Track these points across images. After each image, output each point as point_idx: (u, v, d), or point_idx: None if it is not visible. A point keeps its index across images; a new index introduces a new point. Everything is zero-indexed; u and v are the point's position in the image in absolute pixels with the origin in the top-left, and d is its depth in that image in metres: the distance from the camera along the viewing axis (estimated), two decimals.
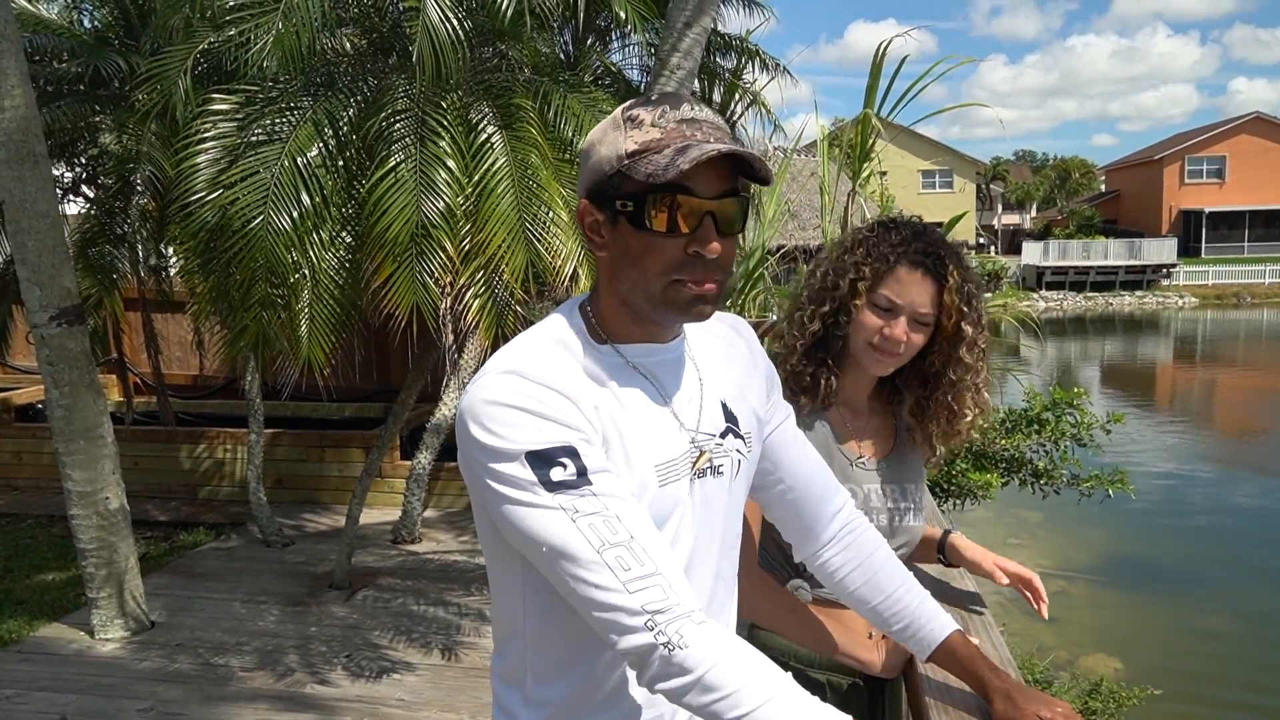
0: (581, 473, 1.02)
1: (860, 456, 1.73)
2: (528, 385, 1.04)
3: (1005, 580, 1.72)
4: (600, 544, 0.99)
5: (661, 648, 0.97)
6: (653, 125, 1.06)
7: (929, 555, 1.89)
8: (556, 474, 1.01)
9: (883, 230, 1.65)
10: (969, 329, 1.63)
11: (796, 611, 1.67)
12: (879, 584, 1.41)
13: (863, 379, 1.73)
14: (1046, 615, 1.73)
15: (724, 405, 1.23)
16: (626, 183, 1.06)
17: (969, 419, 1.69)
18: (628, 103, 1.11)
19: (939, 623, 1.40)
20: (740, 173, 1.09)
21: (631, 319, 1.14)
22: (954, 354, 1.65)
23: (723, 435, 1.21)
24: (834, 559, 1.42)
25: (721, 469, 1.20)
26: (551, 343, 1.12)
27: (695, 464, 1.17)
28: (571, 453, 1.02)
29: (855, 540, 1.42)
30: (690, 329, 1.23)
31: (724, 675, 0.97)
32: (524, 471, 1.02)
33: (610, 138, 1.09)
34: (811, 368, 1.67)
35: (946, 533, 1.89)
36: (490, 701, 1.28)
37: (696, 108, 1.09)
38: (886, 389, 1.80)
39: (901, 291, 1.60)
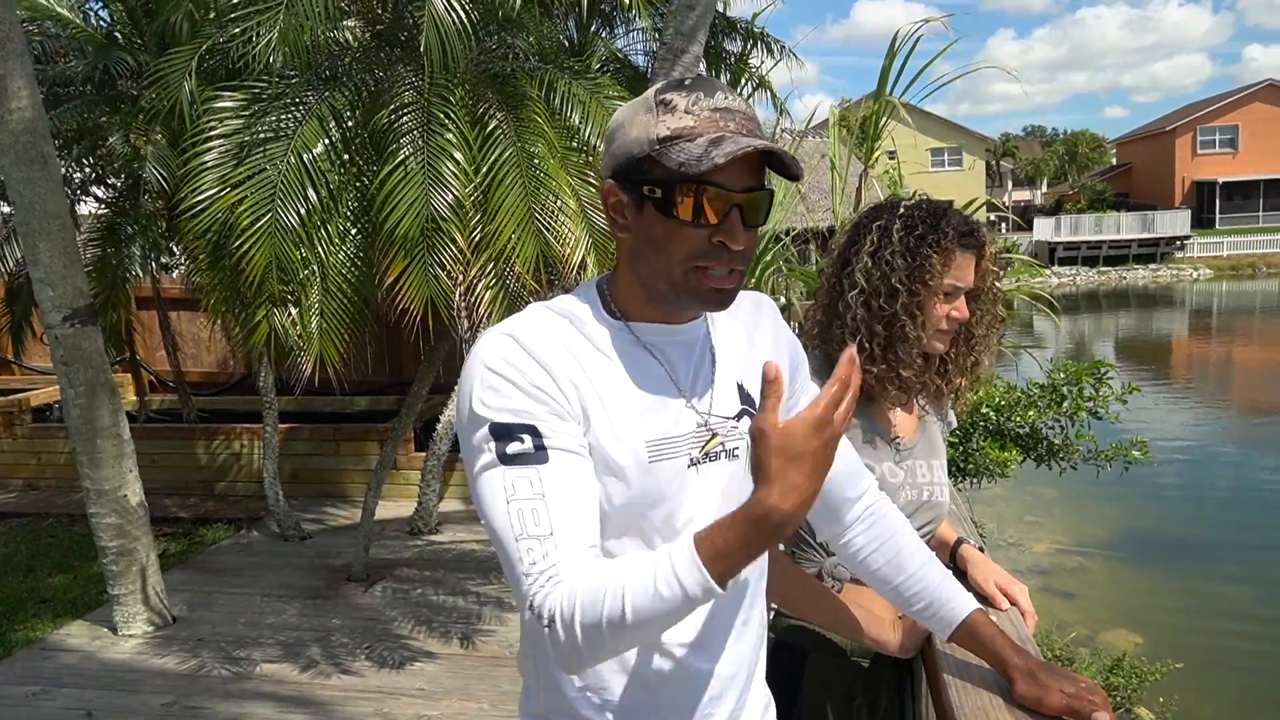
0: (539, 449, 1.05)
1: (896, 437, 1.76)
2: (517, 351, 1.08)
3: (1005, 606, 1.70)
4: (520, 532, 1.03)
5: (545, 629, 1.01)
6: (686, 112, 1.07)
7: (941, 557, 1.87)
8: (513, 448, 1.05)
9: (930, 222, 1.66)
10: (998, 285, 1.75)
11: (811, 590, 1.67)
12: (901, 564, 1.40)
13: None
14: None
15: (740, 387, 1.23)
16: (656, 168, 1.07)
17: (986, 364, 1.79)
18: (660, 85, 1.12)
19: (960, 602, 1.39)
20: (770, 167, 1.10)
21: (648, 300, 1.15)
22: (985, 309, 1.75)
23: (738, 417, 1.21)
24: (856, 540, 1.41)
25: (736, 452, 1.20)
26: (557, 315, 1.15)
27: (705, 445, 1.17)
28: (532, 430, 1.05)
29: (878, 521, 1.41)
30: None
31: (587, 616, 0.99)
32: (488, 441, 1.06)
33: (641, 120, 1.09)
34: (881, 366, 1.68)
35: (960, 540, 1.88)
36: (509, 690, 1.29)
37: (730, 97, 1.09)
38: None
39: (960, 275, 1.67)
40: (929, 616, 1.41)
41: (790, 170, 1.08)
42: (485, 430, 1.06)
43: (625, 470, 1.11)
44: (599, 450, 1.10)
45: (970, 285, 1.68)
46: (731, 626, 1.24)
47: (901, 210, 1.70)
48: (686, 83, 1.10)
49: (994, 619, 1.43)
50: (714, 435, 1.18)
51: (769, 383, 0.95)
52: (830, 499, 1.39)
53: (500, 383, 1.07)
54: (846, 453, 1.40)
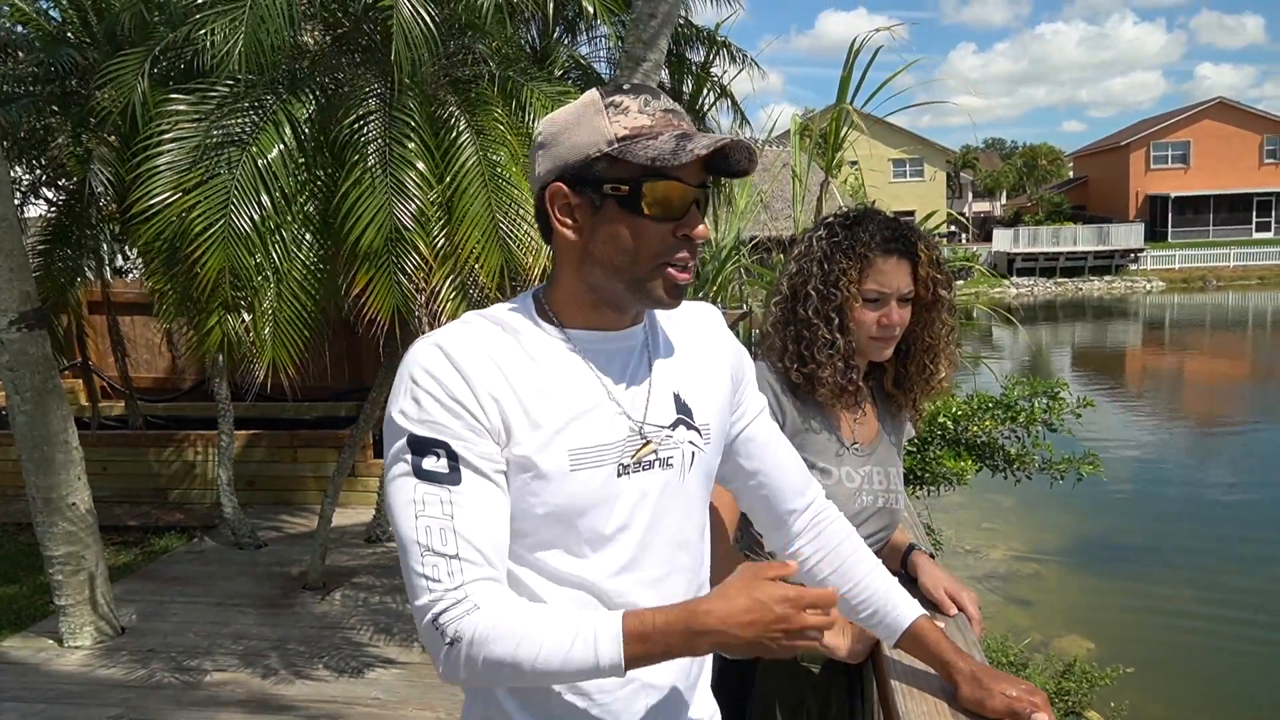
0: (453, 468, 1.08)
1: (855, 443, 1.77)
2: (441, 363, 1.09)
3: (954, 612, 1.73)
4: (426, 548, 1.06)
5: (445, 645, 1.04)
6: (640, 112, 1.09)
7: (893, 563, 1.87)
8: (429, 463, 1.08)
9: (849, 229, 1.71)
10: (944, 293, 1.73)
11: None
12: (847, 572, 1.41)
13: (855, 367, 1.75)
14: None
15: (676, 396, 1.21)
16: (618, 166, 1.08)
17: (944, 374, 1.79)
18: (603, 89, 1.13)
19: (905, 609, 1.41)
20: (711, 169, 1.13)
21: (591, 305, 1.16)
22: (933, 318, 1.74)
23: (673, 426, 1.20)
24: (803, 549, 1.41)
25: (671, 461, 1.19)
26: (490, 323, 1.16)
27: (637, 454, 1.16)
28: (446, 448, 1.08)
29: (824, 530, 1.41)
30: (656, 317, 1.25)
31: (496, 650, 1.03)
32: (405, 452, 1.09)
33: (592, 122, 1.10)
34: (810, 367, 1.70)
35: (911, 546, 1.90)
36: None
37: (668, 100, 1.13)
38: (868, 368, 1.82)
39: (885, 280, 1.68)
40: (875, 624, 1.42)
41: (741, 165, 1.12)
42: (404, 441, 1.09)
43: (547, 478, 1.11)
44: (520, 460, 1.10)
45: (901, 291, 1.68)
46: None
47: (829, 218, 1.75)
48: (626, 87, 1.12)
49: (940, 625, 1.45)
50: (647, 443, 1.17)
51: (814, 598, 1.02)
52: (776, 510, 1.40)
53: (421, 395, 1.09)
54: (792, 464, 1.41)
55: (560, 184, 1.12)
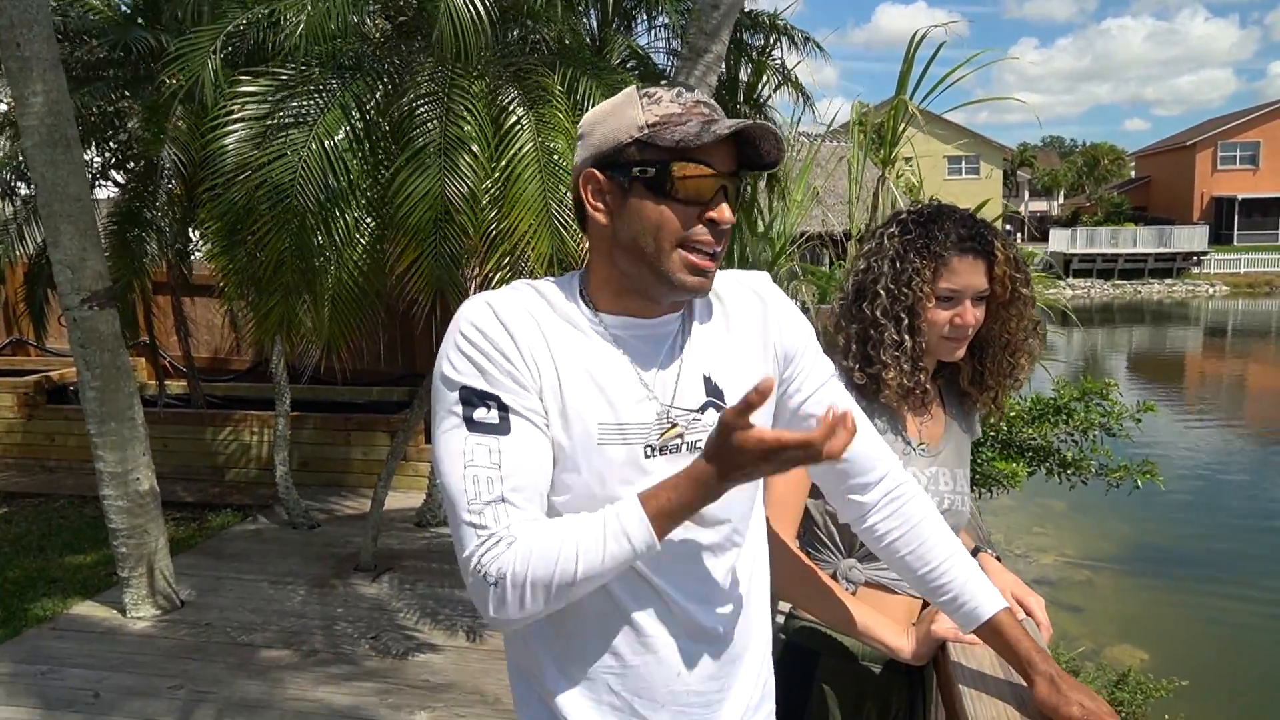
0: (503, 419, 1.12)
1: (921, 443, 1.75)
2: (490, 319, 1.14)
3: (1021, 616, 1.70)
4: (473, 496, 1.09)
5: (490, 587, 1.08)
6: (671, 102, 1.14)
7: None
8: (480, 414, 1.11)
9: (923, 226, 1.68)
10: (1025, 290, 1.70)
11: (823, 591, 1.66)
12: (924, 553, 1.39)
13: (923, 368, 1.72)
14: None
15: (708, 379, 1.22)
16: (647, 150, 1.12)
17: (1025, 369, 1.78)
18: (637, 86, 1.18)
19: (988, 598, 1.38)
20: (741, 161, 1.16)
21: (622, 291, 1.19)
22: (1011, 315, 1.71)
23: (701, 410, 1.20)
24: (879, 524, 1.39)
25: (699, 445, 1.19)
26: (536, 292, 1.20)
27: (663, 436, 1.17)
28: (497, 400, 1.12)
29: (901, 507, 1.39)
30: (701, 300, 1.25)
31: (539, 571, 1.06)
32: (456, 404, 1.13)
33: (625, 112, 1.14)
34: (875, 367, 1.68)
35: (976, 549, 1.87)
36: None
37: (702, 95, 1.17)
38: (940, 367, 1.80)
39: (960, 280, 1.65)
40: (955, 609, 1.40)
41: (770, 155, 1.14)
42: (455, 394, 1.12)
43: (575, 450, 1.14)
44: (554, 423, 1.14)
45: (976, 290, 1.66)
46: (703, 608, 1.23)
47: (902, 215, 1.72)
48: (663, 84, 1.19)
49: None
50: (673, 425, 1.18)
51: (755, 391, 0.99)
52: (848, 483, 1.38)
53: (471, 350, 1.13)
54: (865, 435, 1.36)
55: (593, 169, 1.17)
